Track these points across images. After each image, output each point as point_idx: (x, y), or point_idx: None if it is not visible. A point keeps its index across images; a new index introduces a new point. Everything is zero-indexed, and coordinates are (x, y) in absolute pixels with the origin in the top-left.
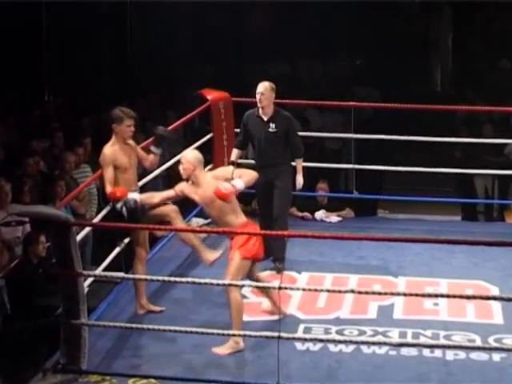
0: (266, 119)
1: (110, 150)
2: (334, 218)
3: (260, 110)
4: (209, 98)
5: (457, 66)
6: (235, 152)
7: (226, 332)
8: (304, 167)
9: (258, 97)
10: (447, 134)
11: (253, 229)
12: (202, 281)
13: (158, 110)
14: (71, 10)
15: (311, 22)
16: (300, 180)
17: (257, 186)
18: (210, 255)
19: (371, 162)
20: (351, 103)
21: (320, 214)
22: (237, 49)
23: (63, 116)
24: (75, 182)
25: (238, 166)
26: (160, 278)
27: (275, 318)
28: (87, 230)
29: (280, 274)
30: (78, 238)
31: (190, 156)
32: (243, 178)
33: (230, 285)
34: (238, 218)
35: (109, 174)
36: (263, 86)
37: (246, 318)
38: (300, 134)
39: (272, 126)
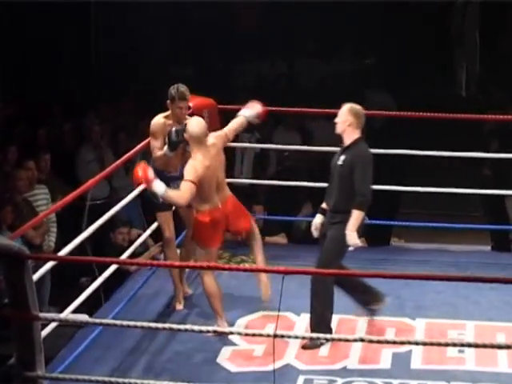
0: (341, 149)
1: (161, 120)
2: None
3: None
4: (190, 105)
5: (485, 67)
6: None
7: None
8: (308, 189)
9: None
10: (474, 147)
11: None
12: (183, 327)
13: (131, 119)
14: (25, 9)
15: (311, 13)
16: (351, 236)
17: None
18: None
19: (384, 181)
20: None
21: None
22: (223, 46)
23: (15, 127)
24: (29, 205)
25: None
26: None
27: (269, 368)
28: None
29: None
30: (35, 276)
31: (188, 127)
32: (177, 192)
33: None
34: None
35: (158, 142)
36: (341, 109)
37: (235, 368)
38: (298, 147)
39: (342, 157)
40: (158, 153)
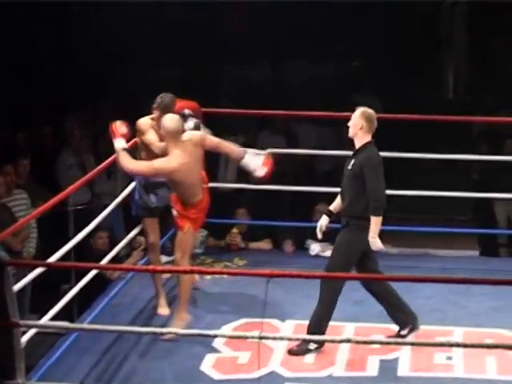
0: (352, 153)
1: (149, 120)
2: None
3: None
4: None
5: (474, 68)
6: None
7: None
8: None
9: None
10: (462, 150)
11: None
12: (164, 330)
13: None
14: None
15: (297, 15)
16: (374, 241)
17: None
18: None
19: None
20: (346, 114)
21: (315, 248)
22: (208, 49)
23: None
24: (9, 211)
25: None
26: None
27: (254, 375)
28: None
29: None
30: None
31: (163, 123)
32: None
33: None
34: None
35: (153, 135)
36: (354, 113)
37: (219, 375)
38: (284, 151)
39: (352, 161)
40: (158, 143)
